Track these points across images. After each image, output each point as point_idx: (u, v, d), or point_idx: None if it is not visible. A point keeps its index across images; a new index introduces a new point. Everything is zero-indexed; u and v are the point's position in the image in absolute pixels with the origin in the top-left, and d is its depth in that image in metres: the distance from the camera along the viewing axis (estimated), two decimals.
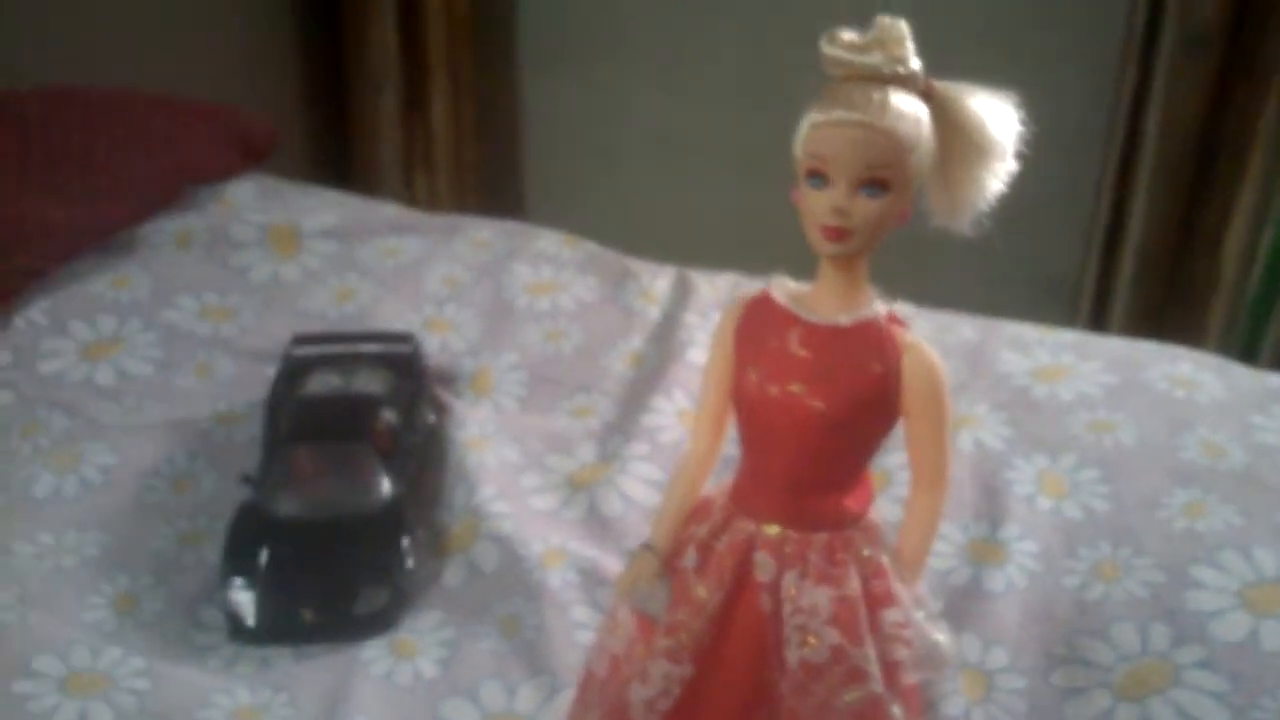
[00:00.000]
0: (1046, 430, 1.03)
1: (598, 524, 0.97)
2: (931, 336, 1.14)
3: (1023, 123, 0.63)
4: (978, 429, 1.04)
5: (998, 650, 0.84)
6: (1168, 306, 1.91)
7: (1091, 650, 0.83)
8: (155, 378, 1.13)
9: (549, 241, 1.34)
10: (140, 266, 1.24)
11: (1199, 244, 1.85)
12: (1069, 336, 1.17)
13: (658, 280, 1.28)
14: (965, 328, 1.18)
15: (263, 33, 2.02)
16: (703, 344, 1.15)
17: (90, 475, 1.00)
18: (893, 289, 1.16)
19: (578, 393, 1.13)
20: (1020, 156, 0.63)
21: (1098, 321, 1.93)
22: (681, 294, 1.25)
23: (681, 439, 1.04)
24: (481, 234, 1.35)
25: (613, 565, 0.91)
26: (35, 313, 1.16)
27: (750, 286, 1.24)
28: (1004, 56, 1.85)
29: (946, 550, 0.92)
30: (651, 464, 1.02)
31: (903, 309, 1.17)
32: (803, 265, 0.66)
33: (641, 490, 1.00)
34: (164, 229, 1.29)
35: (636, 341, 1.19)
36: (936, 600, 0.87)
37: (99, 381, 1.11)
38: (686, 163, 2.18)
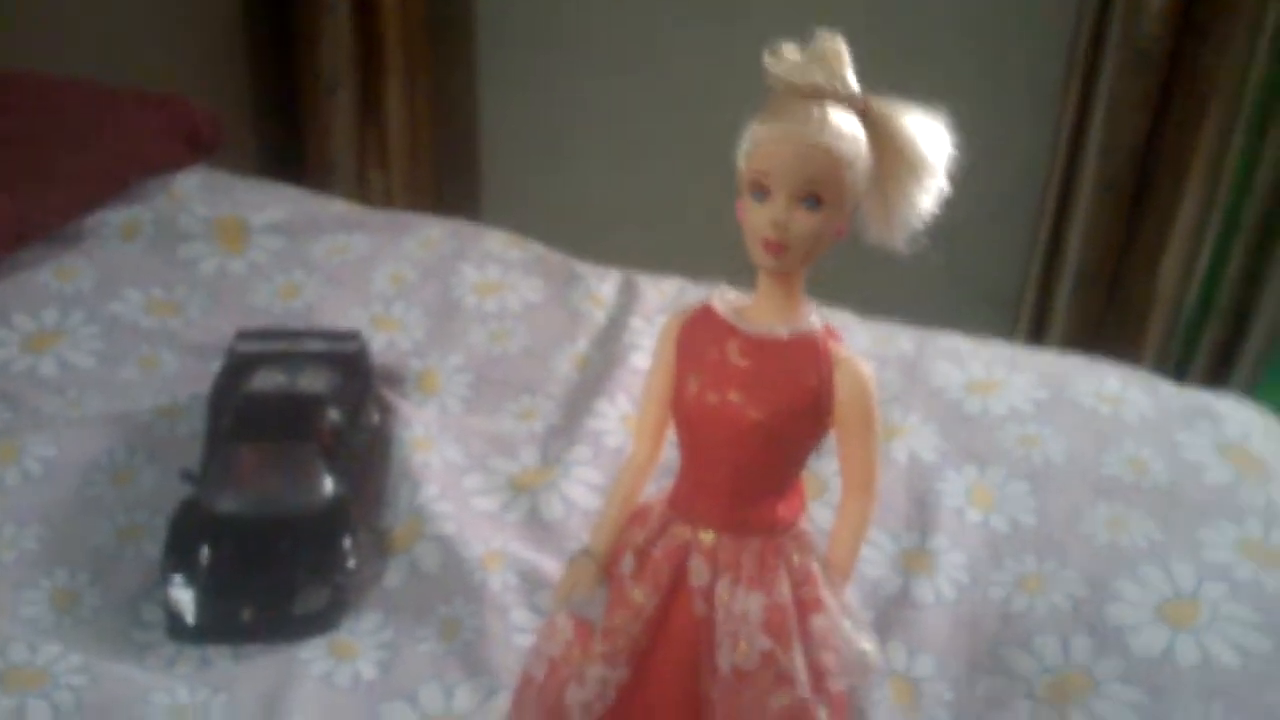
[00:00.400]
0: (977, 443, 1.06)
1: (539, 527, 0.99)
2: (869, 347, 1.18)
3: (963, 140, 0.65)
4: (911, 439, 1.06)
5: (925, 659, 0.86)
6: (1106, 322, 1.96)
7: (1015, 661, 0.85)
8: (98, 370, 1.13)
9: (496, 242, 1.35)
10: (85, 258, 1.23)
11: (1138, 261, 1.90)
12: (1002, 350, 1.19)
13: (604, 283, 1.29)
14: (902, 339, 1.20)
15: (214, 29, 2.00)
16: (647, 349, 1.17)
17: (31, 467, 1.00)
18: (836, 300, 1.19)
19: (522, 395, 1.14)
20: (963, 173, 0.65)
21: (1037, 336, 1.97)
22: (627, 298, 1.27)
23: (624, 443, 1.06)
24: (430, 233, 1.36)
25: (553, 568, 0.93)
26: None
27: (696, 292, 1.27)
28: (948, 74, 1.88)
29: (878, 559, 0.95)
30: (594, 468, 1.04)
31: (843, 319, 1.21)
32: (752, 267, 0.67)
33: (583, 494, 1.01)
34: (109, 220, 1.29)
35: (582, 344, 1.20)
36: (867, 609, 0.90)
37: (41, 373, 1.11)
38: (643, 163, 2.20)
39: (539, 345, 1.20)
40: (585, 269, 1.32)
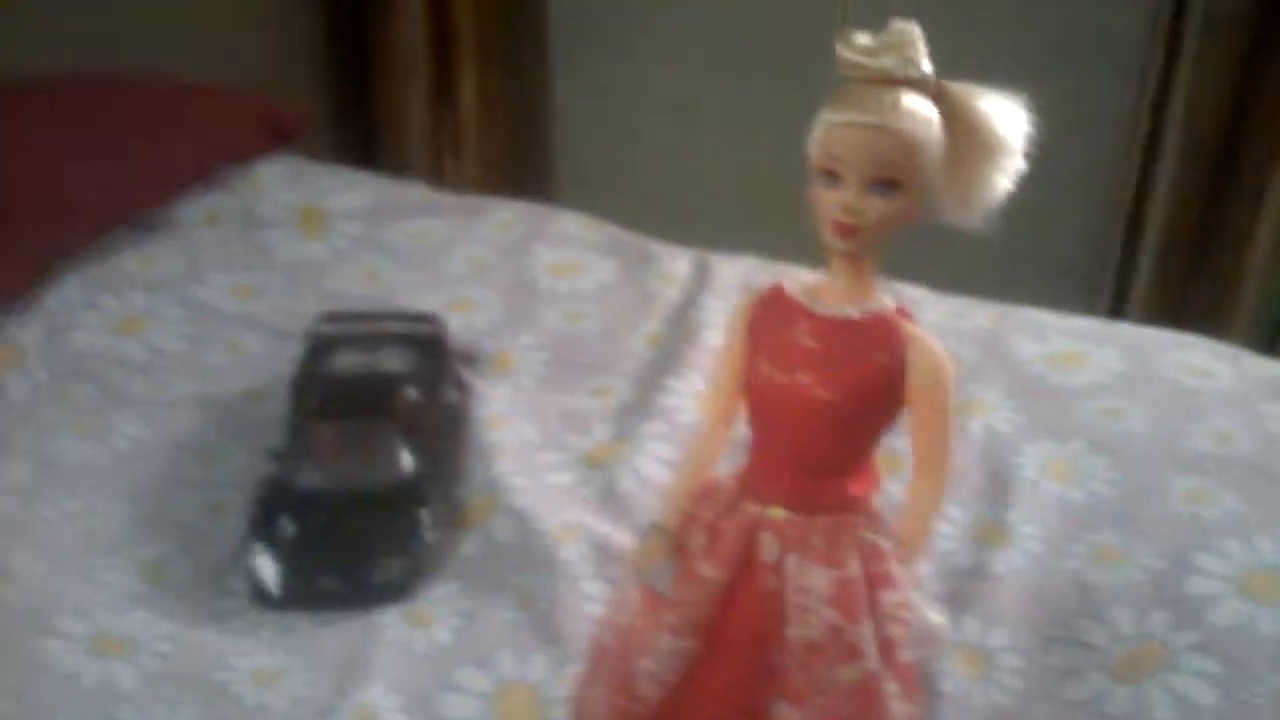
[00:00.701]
0: (1057, 416, 1.04)
1: (612, 501, 1.00)
2: (945, 322, 1.17)
3: (1042, 110, 0.64)
4: (989, 414, 1.05)
5: (997, 630, 0.85)
6: (1191, 296, 1.91)
7: (1088, 632, 0.84)
8: (186, 353, 1.16)
9: (570, 223, 1.36)
10: (171, 244, 1.27)
11: (1227, 232, 1.85)
12: (1084, 324, 1.18)
13: (677, 262, 1.30)
14: (980, 314, 1.19)
15: (289, 16, 2.03)
16: (720, 326, 1.17)
17: (121, 446, 1.04)
18: (913, 274, 1.17)
19: (596, 373, 1.15)
20: (1042, 144, 0.64)
21: (1117, 311, 1.93)
22: (700, 276, 1.27)
23: (697, 419, 1.06)
24: (504, 215, 1.38)
25: (625, 541, 0.94)
26: (68, 289, 1.19)
27: (768, 270, 1.27)
28: (1028, 42, 1.85)
29: (951, 532, 0.94)
30: (667, 443, 1.04)
31: (918, 294, 1.20)
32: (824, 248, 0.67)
33: (656, 469, 1.02)
34: (194, 208, 1.33)
35: (655, 323, 1.21)
36: (940, 581, 0.89)
37: (130, 356, 1.15)
38: (717, 143, 2.19)
39: (613, 324, 1.21)
40: (658, 249, 1.33)
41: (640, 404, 1.10)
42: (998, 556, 0.91)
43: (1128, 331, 1.18)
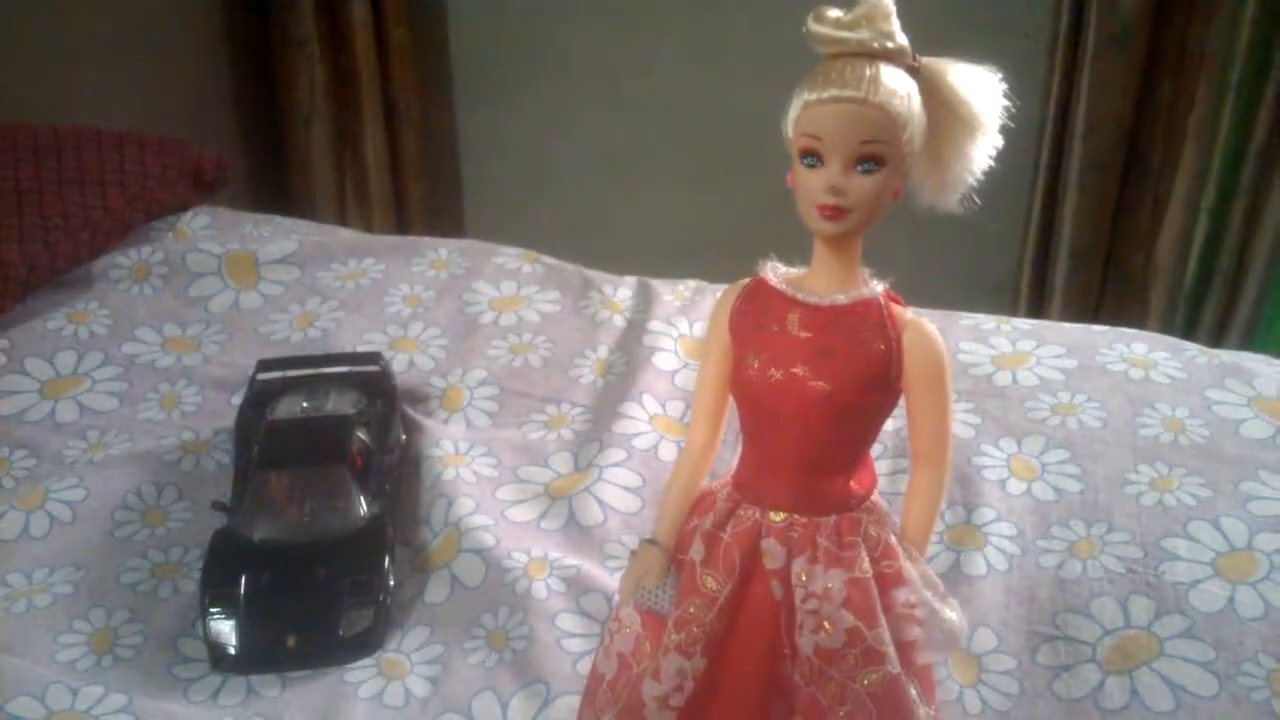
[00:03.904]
0: (1012, 416, 1.05)
1: (578, 532, 0.97)
2: None
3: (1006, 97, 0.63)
4: None
5: (984, 633, 0.85)
6: (1104, 300, 1.95)
7: (1075, 627, 0.84)
8: (119, 411, 1.12)
9: (508, 257, 1.34)
10: (98, 301, 1.23)
11: (1133, 238, 1.89)
12: (1023, 324, 1.19)
13: (620, 289, 1.29)
14: None
15: (196, 68, 1.99)
16: (669, 350, 1.16)
17: (58, 512, 0.99)
18: None
19: (548, 404, 1.13)
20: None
21: (1036, 317, 1.96)
22: (644, 302, 1.26)
23: (656, 444, 1.05)
24: (439, 253, 1.35)
25: (596, 572, 0.92)
26: None
27: (711, 292, 1.26)
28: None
29: None
30: (628, 470, 1.02)
31: None
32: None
33: (620, 497, 1.00)
34: (120, 263, 1.28)
35: (603, 351, 1.19)
36: None
37: (61, 418, 1.10)
38: (628, 178, 2.19)
39: (560, 355, 1.19)
40: (599, 277, 1.31)
41: (597, 433, 1.08)
42: (975, 558, 0.91)
43: (1067, 329, 1.19)
